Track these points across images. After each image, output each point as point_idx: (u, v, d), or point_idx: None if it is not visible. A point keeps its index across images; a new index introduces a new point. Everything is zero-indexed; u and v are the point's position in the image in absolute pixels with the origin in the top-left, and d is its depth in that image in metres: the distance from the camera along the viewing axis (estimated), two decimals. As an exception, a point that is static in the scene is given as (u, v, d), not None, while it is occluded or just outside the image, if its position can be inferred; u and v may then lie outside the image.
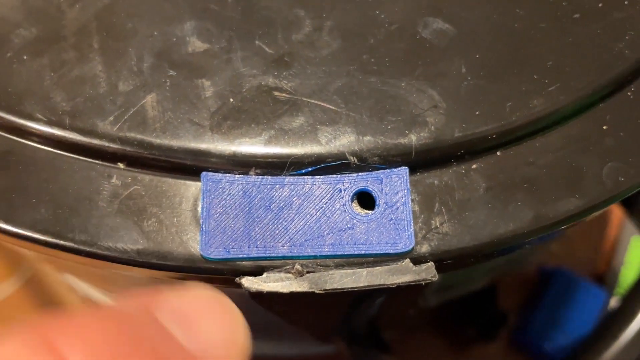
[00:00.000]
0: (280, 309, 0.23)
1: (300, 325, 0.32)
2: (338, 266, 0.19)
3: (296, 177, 0.19)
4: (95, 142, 0.20)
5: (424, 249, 0.19)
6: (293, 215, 0.19)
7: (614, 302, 0.49)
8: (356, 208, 0.19)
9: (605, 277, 0.50)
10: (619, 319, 0.42)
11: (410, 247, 0.19)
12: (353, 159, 0.19)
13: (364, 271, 0.19)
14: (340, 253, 0.19)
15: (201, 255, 0.19)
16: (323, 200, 0.19)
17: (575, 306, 0.48)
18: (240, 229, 0.19)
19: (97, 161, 0.20)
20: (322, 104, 0.20)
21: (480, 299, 0.46)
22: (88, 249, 0.19)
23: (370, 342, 0.38)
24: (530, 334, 0.47)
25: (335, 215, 0.19)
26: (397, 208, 0.19)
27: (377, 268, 0.19)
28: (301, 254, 0.19)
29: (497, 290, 0.47)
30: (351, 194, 0.19)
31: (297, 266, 0.18)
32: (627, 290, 0.46)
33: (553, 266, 0.49)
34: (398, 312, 0.35)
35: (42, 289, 0.48)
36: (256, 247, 0.19)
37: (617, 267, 0.50)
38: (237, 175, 0.19)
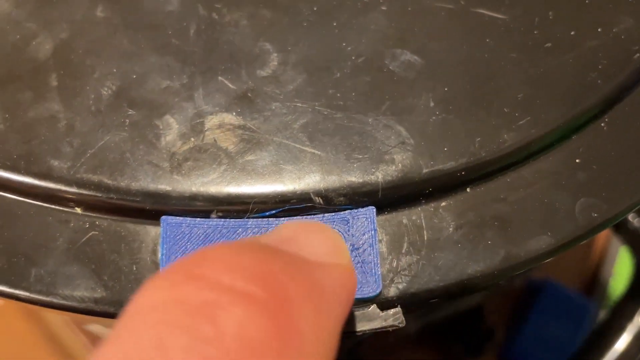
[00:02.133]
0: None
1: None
2: (303, 312, 0.18)
3: (260, 219, 0.19)
4: (52, 186, 0.19)
5: (392, 292, 0.18)
6: (256, 260, 0.18)
7: (603, 314, 0.48)
8: (321, 251, 0.19)
9: (593, 289, 0.50)
10: (607, 332, 0.42)
11: (378, 291, 0.18)
12: (318, 200, 0.19)
13: (328, 318, 0.18)
14: (304, 299, 0.18)
15: (160, 304, 0.18)
16: (287, 244, 0.19)
17: (563, 319, 0.48)
18: (201, 276, 0.18)
19: (53, 206, 0.19)
20: (287, 142, 0.20)
21: (466, 314, 0.46)
22: (44, 299, 0.18)
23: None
24: (518, 348, 0.46)
25: (299, 259, 0.18)
26: (365, 250, 0.19)
27: (343, 314, 0.18)
28: (264, 301, 0.18)
29: (483, 305, 0.47)
30: (316, 236, 0.19)
31: (260, 314, 0.18)
32: (615, 302, 0.45)
33: (540, 278, 0.49)
34: (379, 339, 0.35)
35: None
36: (217, 295, 0.18)
37: (606, 279, 0.50)
38: (198, 219, 0.19)
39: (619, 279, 0.49)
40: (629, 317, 0.39)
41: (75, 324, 0.46)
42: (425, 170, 0.19)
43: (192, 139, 0.19)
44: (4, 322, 0.47)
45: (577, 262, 0.51)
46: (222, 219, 0.19)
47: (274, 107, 0.20)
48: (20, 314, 0.47)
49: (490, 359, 0.46)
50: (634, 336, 0.39)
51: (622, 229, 0.39)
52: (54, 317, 0.47)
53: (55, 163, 0.19)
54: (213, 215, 0.19)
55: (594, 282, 0.50)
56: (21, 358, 0.46)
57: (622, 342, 0.39)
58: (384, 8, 0.22)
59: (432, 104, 0.20)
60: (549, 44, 0.21)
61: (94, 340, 0.46)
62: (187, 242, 0.18)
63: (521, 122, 0.20)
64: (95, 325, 0.46)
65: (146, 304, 0.12)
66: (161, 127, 0.20)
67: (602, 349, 0.40)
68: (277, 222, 0.19)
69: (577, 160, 0.20)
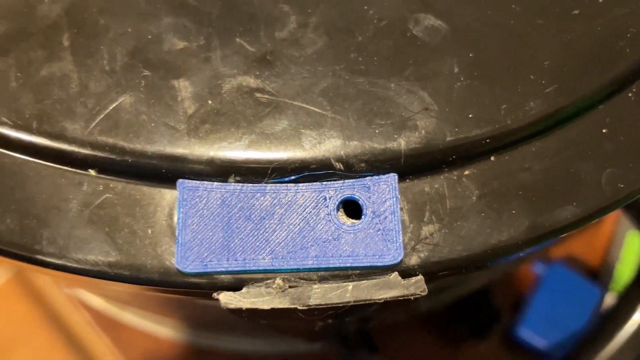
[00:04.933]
0: (265, 314, 0.22)
1: (286, 327, 0.31)
2: (322, 280, 0.18)
3: (278, 184, 0.18)
4: (65, 147, 0.18)
5: (413, 260, 0.18)
6: (275, 226, 0.18)
7: (609, 299, 0.48)
8: (342, 217, 0.18)
9: (600, 273, 0.50)
10: (615, 319, 0.41)
11: (399, 259, 0.18)
12: (339, 165, 0.18)
13: (349, 285, 0.18)
14: (324, 266, 0.18)
15: (177, 268, 0.17)
16: (307, 210, 0.18)
17: (569, 302, 0.48)
18: (219, 241, 0.18)
19: (66, 167, 0.19)
20: (307, 106, 0.19)
21: (474, 296, 0.45)
22: (57, 262, 0.18)
23: (360, 342, 0.37)
24: (524, 330, 0.46)
25: (319, 225, 0.18)
26: (386, 217, 0.18)
27: (364, 282, 0.18)
28: (283, 267, 0.18)
29: (490, 287, 0.47)
30: (337, 203, 0.18)
31: (279, 280, 0.17)
32: (624, 288, 0.45)
33: (547, 261, 0.49)
34: (389, 314, 0.34)
35: (31, 281, 0.47)
36: (235, 260, 0.17)
37: (612, 263, 0.49)
38: (216, 183, 0.18)
39: (625, 263, 0.49)
40: (639, 301, 0.39)
41: (77, 301, 0.46)
42: (449, 138, 0.19)
43: (210, 102, 0.19)
44: (4, 303, 0.46)
45: (584, 245, 0.50)
46: (240, 184, 0.18)
47: (293, 71, 0.19)
48: (20, 294, 0.47)
49: (496, 340, 0.46)
50: (643, 319, 0.39)
51: (634, 210, 0.38)
52: (56, 296, 0.47)
53: (69, 124, 0.18)
54: (230, 180, 0.18)
55: (601, 266, 0.50)
56: (21, 339, 0.46)
57: (631, 327, 0.39)
58: (407, -29, 0.21)
59: (456, 70, 0.20)
60: (576, 11, 0.21)
61: (96, 316, 0.46)
62: (204, 206, 0.18)
63: (548, 90, 0.19)
64: (98, 301, 0.45)
65: None
66: (177, 88, 0.19)
67: (611, 333, 0.40)
68: (296, 187, 0.18)
69: (604, 130, 0.20)
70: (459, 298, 0.42)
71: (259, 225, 0.18)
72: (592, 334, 0.44)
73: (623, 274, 0.49)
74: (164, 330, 0.46)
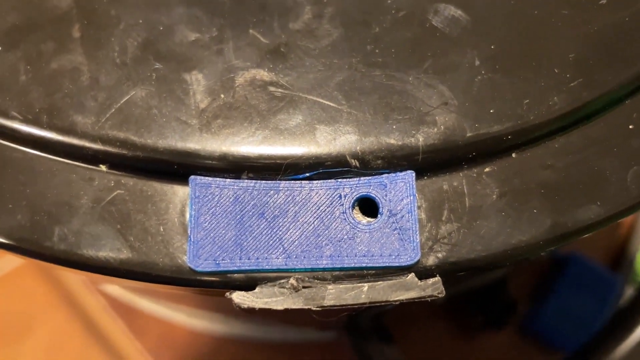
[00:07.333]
0: (277, 314, 0.21)
1: (301, 317, 0.31)
2: (337, 280, 0.17)
3: (292, 181, 0.18)
4: (75, 142, 0.18)
5: (431, 261, 0.17)
6: (289, 224, 0.17)
7: (629, 290, 0.47)
8: (357, 216, 0.18)
9: (620, 264, 0.49)
10: (634, 311, 0.41)
11: (416, 259, 0.17)
12: (354, 162, 0.18)
13: (364, 286, 0.17)
14: (339, 266, 0.17)
15: (189, 267, 0.17)
16: (321, 208, 0.18)
17: (588, 293, 0.47)
18: (232, 239, 0.17)
19: (77, 163, 0.18)
20: (322, 100, 0.18)
21: (489, 286, 0.45)
22: (68, 258, 0.18)
23: (374, 332, 0.37)
24: (540, 321, 0.46)
25: (334, 224, 0.18)
26: (402, 216, 0.18)
27: (379, 283, 0.17)
28: (297, 267, 0.17)
29: (507, 277, 0.46)
30: (352, 201, 0.18)
31: (292, 280, 0.17)
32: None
33: (566, 252, 0.48)
34: (402, 308, 0.34)
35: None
36: (248, 259, 0.17)
37: (633, 254, 0.48)
38: (228, 180, 0.18)
39: (647, 254, 0.48)
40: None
41: (93, 286, 0.46)
42: (469, 133, 0.18)
43: (222, 96, 0.18)
44: (22, 283, 0.47)
45: (604, 235, 0.50)
46: (253, 181, 0.18)
47: (308, 63, 0.19)
48: (38, 275, 0.47)
49: (511, 331, 0.46)
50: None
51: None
52: (72, 279, 0.47)
53: (79, 118, 0.18)
54: (243, 176, 0.18)
55: (621, 257, 0.49)
56: (40, 319, 0.46)
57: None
58: (426, -41, 0.20)
59: (477, 63, 0.19)
60: (603, 1, 0.20)
61: (112, 302, 0.46)
62: (217, 203, 0.17)
63: (572, 84, 0.19)
64: (113, 287, 0.45)
65: None
66: (189, 82, 0.19)
67: (630, 327, 0.39)
68: (310, 185, 0.18)
69: (631, 127, 0.19)
70: (475, 287, 0.41)
71: (272, 224, 0.17)
72: (611, 326, 0.43)
73: (643, 265, 0.48)
74: (178, 316, 0.46)
